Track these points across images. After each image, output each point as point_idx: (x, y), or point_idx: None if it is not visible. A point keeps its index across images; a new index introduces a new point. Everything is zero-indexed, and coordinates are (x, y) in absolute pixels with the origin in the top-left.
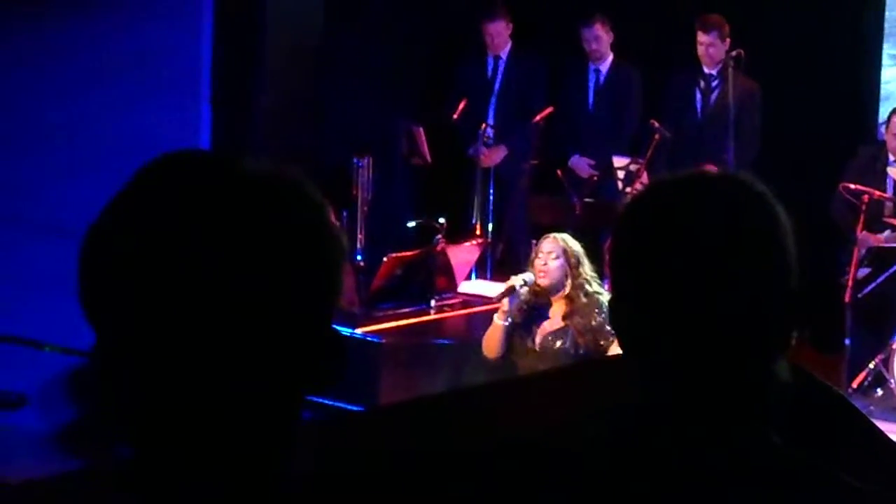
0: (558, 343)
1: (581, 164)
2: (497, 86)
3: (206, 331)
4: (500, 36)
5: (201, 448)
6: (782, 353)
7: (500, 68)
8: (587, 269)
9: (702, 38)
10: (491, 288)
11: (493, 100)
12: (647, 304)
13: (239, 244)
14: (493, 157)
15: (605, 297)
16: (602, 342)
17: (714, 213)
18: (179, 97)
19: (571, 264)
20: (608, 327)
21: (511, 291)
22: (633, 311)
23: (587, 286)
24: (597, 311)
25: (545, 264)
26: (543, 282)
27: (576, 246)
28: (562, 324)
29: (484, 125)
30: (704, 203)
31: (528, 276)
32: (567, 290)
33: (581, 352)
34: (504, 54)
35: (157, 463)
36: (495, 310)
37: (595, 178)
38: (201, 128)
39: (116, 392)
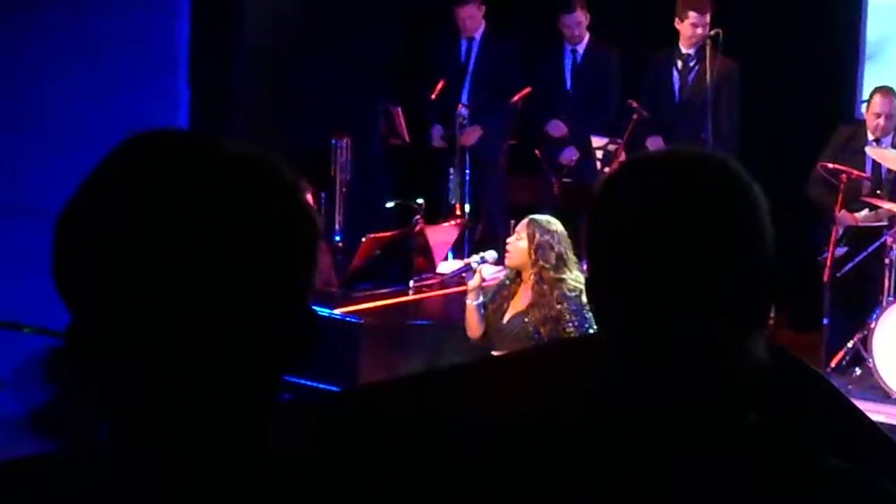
0: (522, 323)
1: (556, 128)
2: (471, 67)
3: (181, 310)
4: (472, 19)
5: (177, 427)
6: (759, 332)
7: (474, 50)
8: (553, 257)
9: (696, 19)
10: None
11: (467, 81)
12: (623, 284)
13: (212, 223)
14: (468, 137)
15: (582, 279)
16: (564, 330)
17: (689, 191)
18: (157, 79)
19: (533, 250)
20: (568, 315)
21: (466, 268)
22: (609, 290)
23: (546, 274)
24: (557, 299)
25: (512, 244)
26: (507, 261)
27: (546, 234)
28: (526, 305)
29: (459, 106)
30: (679, 181)
31: (488, 253)
32: (526, 275)
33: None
34: (478, 36)
35: (133, 444)
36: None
37: (573, 162)
38: (179, 110)
39: (91, 372)
